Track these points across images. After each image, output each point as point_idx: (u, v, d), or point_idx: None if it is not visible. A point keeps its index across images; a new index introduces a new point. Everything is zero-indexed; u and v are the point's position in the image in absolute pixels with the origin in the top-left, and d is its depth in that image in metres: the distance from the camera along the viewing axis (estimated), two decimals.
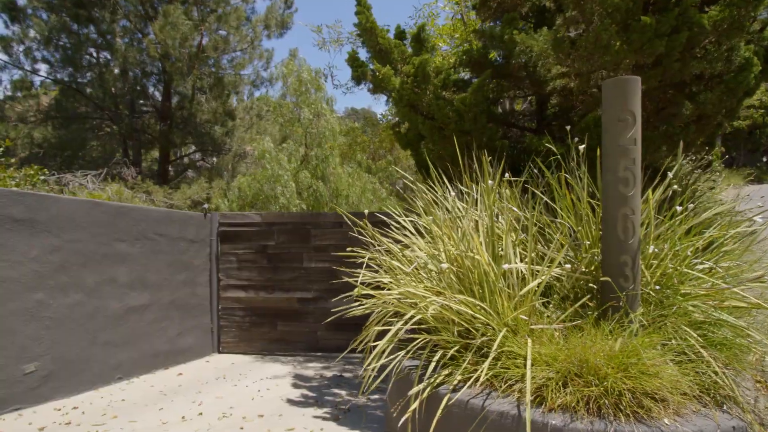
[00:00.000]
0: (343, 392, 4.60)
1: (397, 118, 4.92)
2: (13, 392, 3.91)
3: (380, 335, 2.32)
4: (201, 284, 6.21)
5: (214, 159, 14.04)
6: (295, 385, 4.83)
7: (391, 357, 2.13)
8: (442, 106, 3.22)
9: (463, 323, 1.99)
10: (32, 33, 12.70)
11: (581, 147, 2.13)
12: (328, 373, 5.39)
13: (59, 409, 4.00)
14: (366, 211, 2.61)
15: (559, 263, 2.12)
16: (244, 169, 12.69)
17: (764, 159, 24.38)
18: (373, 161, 16.10)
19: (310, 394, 4.52)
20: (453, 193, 2.33)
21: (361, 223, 2.55)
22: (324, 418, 3.79)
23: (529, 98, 5.74)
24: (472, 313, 1.94)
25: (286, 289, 6.44)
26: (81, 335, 4.51)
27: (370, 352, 2.10)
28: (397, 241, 2.66)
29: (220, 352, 6.42)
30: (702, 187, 4.03)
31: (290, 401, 4.26)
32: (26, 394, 4.00)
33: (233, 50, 12.82)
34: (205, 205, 6.54)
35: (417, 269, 2.27)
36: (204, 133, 13.06)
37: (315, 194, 9.57)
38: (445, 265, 1.89)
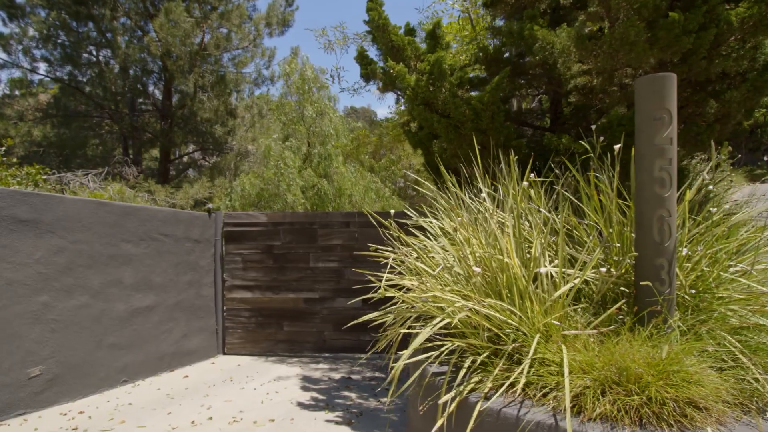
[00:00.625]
0: (353, 395, 4.53)
1: (407, 117, 4.84)
2: (18, 397, 3.83)
3: (403, 339, 2.26)
4: (206, 285, 6.13)
5: (216, 158, 13.93)
6: (304, 388, 4.77)
7: (416, 361, 2.07)
8: (458, 104, 3.15)
9: (492, 328, 1.92)
10: (31, 31, 12.58)
11: (616, 147, 2.07)
12: (336, 375, 5.32)
13: (65, 414, 3.92)
14: (392, 211, 2.54)
15: (593, 266, 2.06)
16: (246, 168, 12.59)
17: (765, 158, 24.37)
18: (375, 160, 16.04)
19: (320, 396, 4.45)
20: (483, 194, 2.26)
21: (386, 223, 2.48)
22: (337, 423, 3.73)
23: (539, 97, 5.67)
24: (503, 317, 1.88)
25: (293, 289, 6.37)
26: (86, 338, 4.43)
27: (390, 354, 2.04)
28: (418, 242, 2.59)
29: (224, 354, 6.35)
30: (717, 188, 3.97)
31: (300, 404, 4.19)
32: (31, 399, 3.92)
33: (235, 48, 12.71)
34: (210, 205, 6.46)
35: (442, 272, 2.20)
36: (205, 131, 12.97)
37: (319, 193, 9.49)
38: (477, 269, 1.82)
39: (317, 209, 9.84)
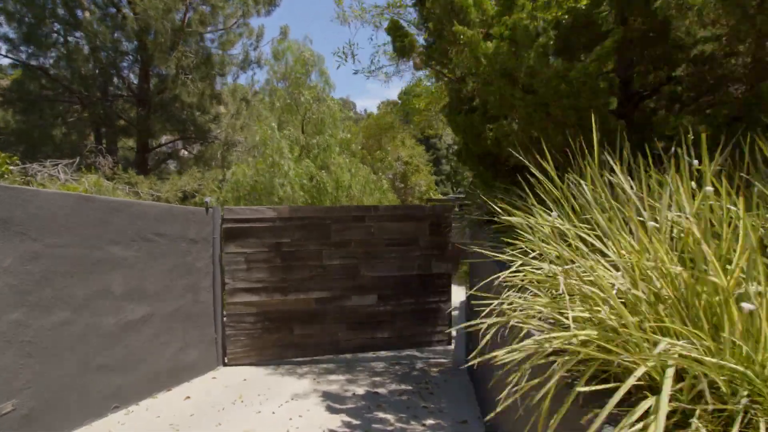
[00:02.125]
0: (390, 417, 3.95)
1: (446, 99, 4.20)
2: None
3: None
4: (204, 289, 5.39)
5: (200, 147, 12.92)
6: (330, 408, 4.15)
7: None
8: (551, 76, 2.56)
9: (709, 375, 1.35)
10: None
11: None
12: (359, 390, 4.72)
13: None
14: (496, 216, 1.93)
15: None
16: (235, 159, 11.70)
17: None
18: (368, 152, 15.39)
19: (353, 421, 3.84)
20: (668, 199, 1.67)
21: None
22: None
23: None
24: (726, 363, 1.31)
25: (304, 289, 5.77)
26: (69, 361, 3.67)
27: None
28: (523, 248, 2.00)
29: (225, 365, 5.65)
30: None
31: None
32: None
33: (221, 26, 11.69)
34: (207, 199, 5.69)
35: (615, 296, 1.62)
36: (186, 119, 11.98)
37: (318, 185, 8.79)
38: (751, 306, 1.22)
39: (315, 202, 9.17)
